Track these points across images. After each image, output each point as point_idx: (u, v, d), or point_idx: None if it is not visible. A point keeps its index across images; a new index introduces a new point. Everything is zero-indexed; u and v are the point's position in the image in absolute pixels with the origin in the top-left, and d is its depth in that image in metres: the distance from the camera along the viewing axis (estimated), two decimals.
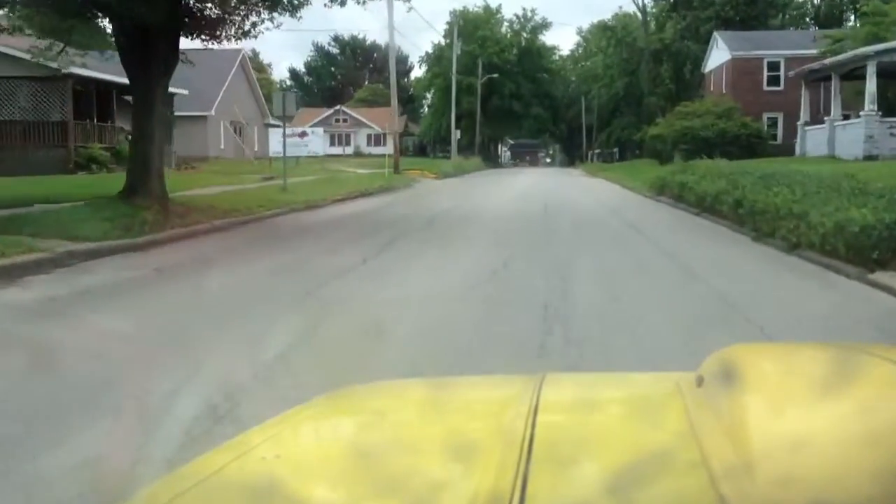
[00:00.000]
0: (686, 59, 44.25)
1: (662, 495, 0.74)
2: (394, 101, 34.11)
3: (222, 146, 39.75)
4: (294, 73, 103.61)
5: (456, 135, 54.50)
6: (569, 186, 29.24)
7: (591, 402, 1.18)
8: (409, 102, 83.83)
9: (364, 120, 78.26)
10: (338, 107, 78.28)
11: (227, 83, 40.41)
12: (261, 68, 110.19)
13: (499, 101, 73.93)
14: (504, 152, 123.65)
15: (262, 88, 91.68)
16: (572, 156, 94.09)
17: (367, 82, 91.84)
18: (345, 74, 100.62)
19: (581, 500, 0.74)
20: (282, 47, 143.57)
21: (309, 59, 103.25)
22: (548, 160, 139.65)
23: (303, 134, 33.48)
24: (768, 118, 36.75)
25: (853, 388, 0.97)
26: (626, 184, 26.77)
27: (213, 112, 38.84)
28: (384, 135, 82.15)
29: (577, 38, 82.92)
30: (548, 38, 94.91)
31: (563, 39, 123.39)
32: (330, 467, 0.93)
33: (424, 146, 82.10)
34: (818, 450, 0.74)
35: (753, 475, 0.70)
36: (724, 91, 38.12)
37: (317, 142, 33.19)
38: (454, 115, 52.01)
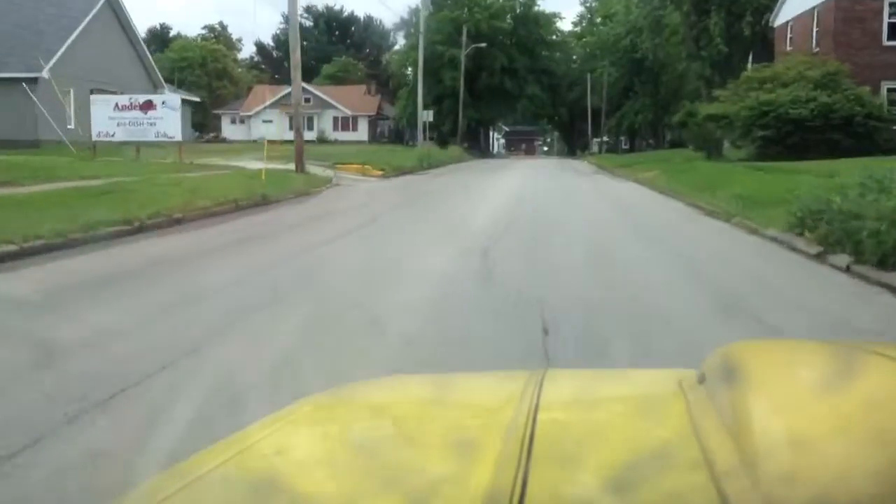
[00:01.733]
0: (746, 7, 30.80)
1: (663, 493, 0.73)
2: (295, 49, 20.59)
3: (71, 125, 26.21)
4: (261, 47, 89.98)
5: (425, 116, 41.03)
6: (595, 206, 15.33)
7: (592, 400, 1.14)
8: (387, 83, 70.02)
9: (330, 100, 64.66)
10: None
11: (77, 32, 26.80)
12: (229, 44, 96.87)
13: (488, 79, 60.35)
14: (497, 140, 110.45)
15: (217, 64, 78.06)
16: (573, 145, 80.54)
17: (343, 58, 77.89)
18: (318, 49, 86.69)
19: (581, 498, 0.74)
20: (253, 22, 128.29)
21: (278, 31, 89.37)
22: (545, 149, 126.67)
23: (147, 105, 20.05)
24: (889, 90, 23.41)
25: (856, 385, 0.95)
26: (708, 206, 13.33)
27: (44, 73, 25.20)
28: (354, 118, 68.73)
29: (580, 10, 69.23)
30: (547, 3, 78.75)
31: (563, 5, 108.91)
32: (330, 463, 0.92)
33: (402, 132, 68.64)
34: (821, 448, 0.73)
35: (755, 473, 0.69)
36: (815, 48, 24.69)
37: (171, 119, 19.78)
38: (422, 90, 38.58)
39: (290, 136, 62.57)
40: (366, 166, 25.92)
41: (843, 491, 0.65)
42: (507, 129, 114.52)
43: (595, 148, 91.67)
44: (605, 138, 64.18)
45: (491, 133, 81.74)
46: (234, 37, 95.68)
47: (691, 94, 50.35)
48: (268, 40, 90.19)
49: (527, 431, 0.85)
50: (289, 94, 64.19)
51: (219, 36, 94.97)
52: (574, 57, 69.64)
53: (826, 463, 0.70)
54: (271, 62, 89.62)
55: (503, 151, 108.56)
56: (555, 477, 0.78)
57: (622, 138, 68.11)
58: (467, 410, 1.13)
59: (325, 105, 64.46)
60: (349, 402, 1.18)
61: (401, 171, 27.50)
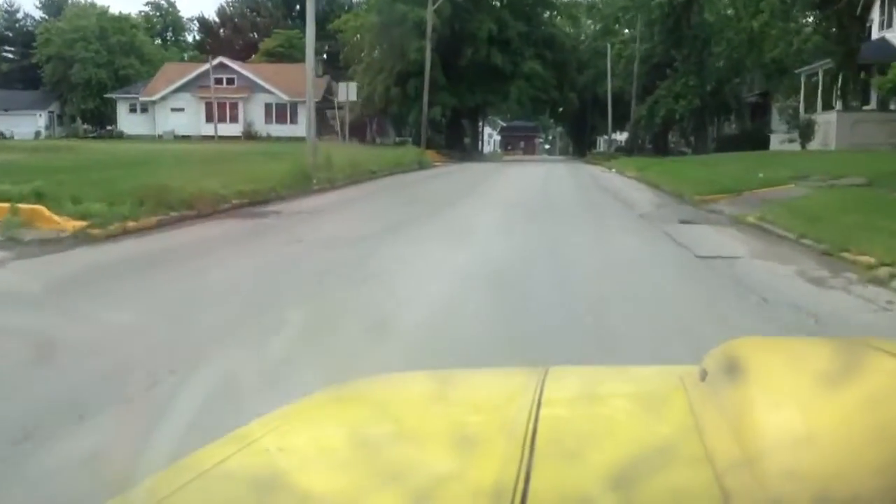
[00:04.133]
0: None
1: (666, 489, 0.72)
2: None
3: None
4: (204, 24, 72.46)
5: (344, 92, 23.57)
6: None
7: (594, 396, 1.13)
8: (335, 61, 52.23)
9: (261, 82, 47.07)
10: (216, 59, 46.96)
11: None
12: (177, 25, 79.76)
13: (472, 54, 42.94)
14: (490, 138, 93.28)
15: (121, 36, 59.72)
16: (583, 142, 63.11)
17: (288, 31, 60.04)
18: (273, 26, 69.11)
19: (584, 494, 0.73)
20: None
21: (225, 4, 71.88)
22: (546, 146, 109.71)
23: None
24: None
25: (858, 382, 0.92)
26: None
27: None
28: (293, 105, 51.26)
29: None
30: None
31: None
32: (333, 460, 0.90)
33: (365, 125, 51.22)
34: (823, 444, 0.72)
35: (757, 469, 0.68)
36: None
37: None
38: (313, 37, 21.15)
39: (208, 130, 45.29)
40: (39, 208, 8.64)
41: (845, 487, 0.64)
42: (503, 124, 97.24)
43: (603, 147, 73.98)
44: (627, 134, 46.49)
45: (482, 128, 64.21)
46: (186, 17, 78.92)
47: (774, 67, 33.03)
48: (213, 15, 72.63)
49: (529, 428, 0.84)
50: (205, 73, 46.61)
51: (164, 14, 78.09)
52: (584, 38, 52.23)
53: (828, 459, 0.69)
54: (218, 42, 72.06)
55: (498, 150, 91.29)
56: (557, 473, 0.77)
57: (642, 135, 50.43)
58: (470, 407, 1.09)
59: (256, 88, 47.00)
60: (352, 399, 1.15)
61: (175, 219, 10.22)
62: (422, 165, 29.31)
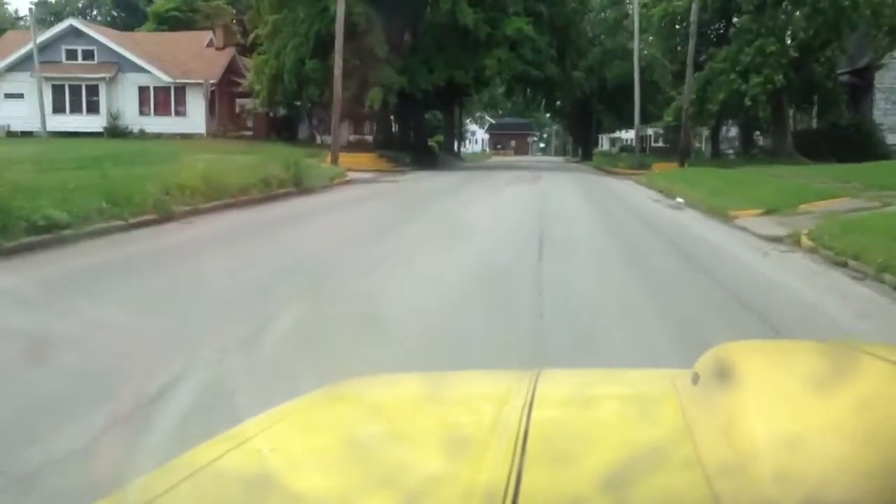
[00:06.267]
0: None
1: (657, 492, 0.72)
2: None
3: None
4: None
5: None
6: None
7: (586, 399, 1.12)
8: (243, 40, 37.19)
9: (132, 56, 32.31)
10: (66, 22, 32.03)
11: None
12: (100, 1, 64.80)
13: (431, 12, 28.40)
14: (474, 135, 78.58)
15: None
16: (587, 142, 48.40)
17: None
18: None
19: (575, 496, 0.72)
20: None
21: None
22: (542, 146, 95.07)
23: None
24: None
25: (848, 386, 0.91)
26: None
27: None
28: (181, 89, 36.07)
29: None
30: None
31: None
32: (325, 460, 0.89)
33: (296, 119, 36.43)
34: (813, 448, 0.71)
35: (748, 473, 0.68)
36: None
37: None
38: None
39: (61, 123, 30.46)
40: None
41: (835, 490, 0.63)
42: (492, 121, 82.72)
43: (606, 145, 59.28)
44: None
45: (459, 121, 49.47)
46: None
47: None
48: None
49: (521, 429, 0.83)
50: (49, 44, 29.98)
51: None
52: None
53: (817, 462, 0.68)
54: (137, 18, 57.26)
55: (486, 150, 76.75)
56: (549, 475, 0.76)
57: (690, 129, 35.91)
58: (462, 408, 1.08)
59: (126, 65, 32.11)
60: (344, 400, 1.14)
61: None
62: (300, 187, 14.63)
